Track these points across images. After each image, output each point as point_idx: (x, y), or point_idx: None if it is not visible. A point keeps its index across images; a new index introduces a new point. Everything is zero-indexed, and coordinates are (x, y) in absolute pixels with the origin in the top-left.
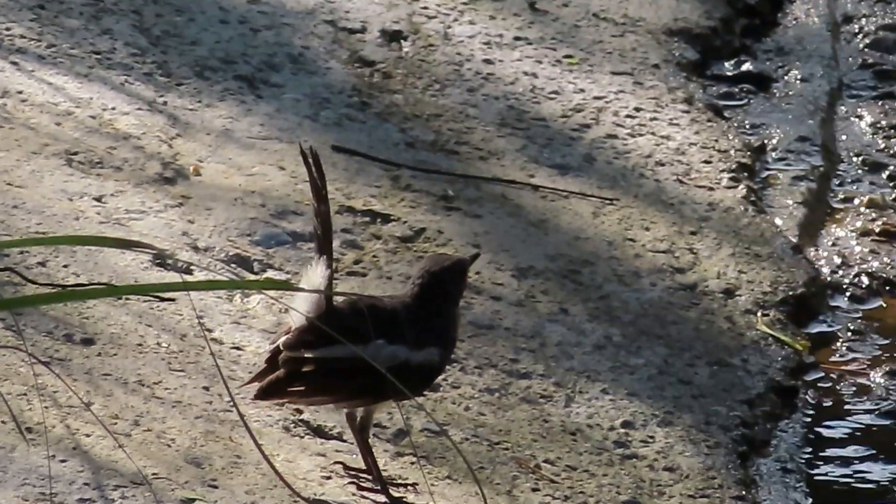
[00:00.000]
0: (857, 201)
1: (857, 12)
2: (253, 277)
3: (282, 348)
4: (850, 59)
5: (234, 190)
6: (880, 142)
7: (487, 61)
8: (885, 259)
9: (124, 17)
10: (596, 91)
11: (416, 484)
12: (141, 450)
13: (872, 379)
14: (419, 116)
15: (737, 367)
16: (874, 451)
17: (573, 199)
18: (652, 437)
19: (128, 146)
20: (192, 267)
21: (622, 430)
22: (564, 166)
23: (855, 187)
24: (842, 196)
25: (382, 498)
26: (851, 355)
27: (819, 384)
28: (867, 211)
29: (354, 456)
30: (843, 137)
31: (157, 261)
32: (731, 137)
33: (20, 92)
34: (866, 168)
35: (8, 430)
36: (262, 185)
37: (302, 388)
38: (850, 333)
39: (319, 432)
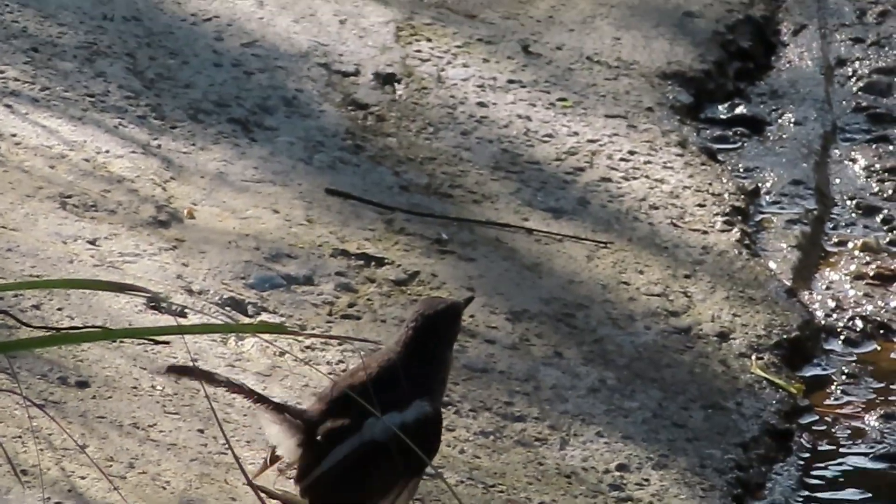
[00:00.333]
0: (851, 245)
1: (851, 55)
2: (247, 321)
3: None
4: (844, 102)
5: (229, 233)
6: (874, 185)
7: (481, 104)
8: (880, 302)
9: (118, 60)
10: (590, 134)
11: None
12: (136, 492)
13: (867, 422)
14: (413, 160)
15: (731, 411)
16: (869, 495)
17: (567, 243)
18: (647, 479)
19: (122, 189)
20: (186, 310)
21: (617, 473)
22: (558, 210)
23: (849, 231)
24: (836, 239)
25: None
26: (846, 399)
27: (814, 427)
28: (861, 254)
29: None
30: (837, 181)
31: (152, 304)
32: (724, 181)
33: (14, 135)
34: (860, 211)
35: (3, 473)
36: (256, 228)
37: None
38: (844, 377)
39: None
